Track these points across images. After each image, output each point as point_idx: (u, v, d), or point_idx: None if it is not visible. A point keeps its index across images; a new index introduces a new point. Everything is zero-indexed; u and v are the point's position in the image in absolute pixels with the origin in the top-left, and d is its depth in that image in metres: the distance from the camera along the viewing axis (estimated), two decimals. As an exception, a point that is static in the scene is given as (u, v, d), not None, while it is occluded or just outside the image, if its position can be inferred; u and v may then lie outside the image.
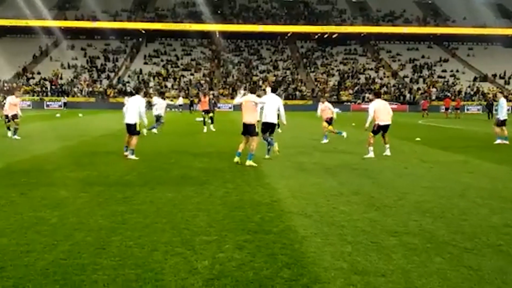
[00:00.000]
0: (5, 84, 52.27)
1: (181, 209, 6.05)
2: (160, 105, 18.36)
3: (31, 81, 55.39)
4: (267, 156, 10.85)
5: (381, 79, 59.14)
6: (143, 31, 64.73)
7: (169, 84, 55.67)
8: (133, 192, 7.02)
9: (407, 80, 59.42)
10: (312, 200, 6.66)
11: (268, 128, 10.54)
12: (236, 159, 9.97)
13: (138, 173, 8.84)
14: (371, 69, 61.96)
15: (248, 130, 9.98)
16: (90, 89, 53.63)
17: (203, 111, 20.31)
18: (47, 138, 15.88)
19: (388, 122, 11.64)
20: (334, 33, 64.91)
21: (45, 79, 55.52)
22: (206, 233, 5.00)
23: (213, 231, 5.05)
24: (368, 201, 6.66)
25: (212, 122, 20.45)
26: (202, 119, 22.96)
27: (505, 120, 15.06)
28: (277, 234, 5.01)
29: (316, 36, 67.08)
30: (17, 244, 4.55)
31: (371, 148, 11.44)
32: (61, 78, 55.94)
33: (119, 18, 63.73)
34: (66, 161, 10.43)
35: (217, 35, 66.16)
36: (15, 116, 15.37)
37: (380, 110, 11.57)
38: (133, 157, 10.65)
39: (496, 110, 15.46)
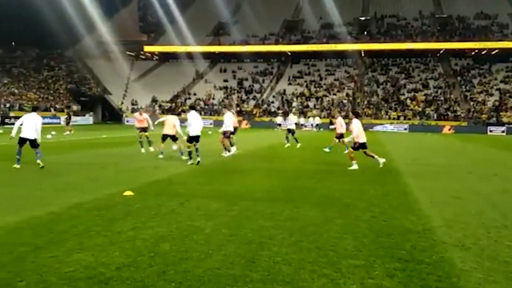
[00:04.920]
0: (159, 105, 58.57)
1: (326, 229, 5.97)
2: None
3: (188, 101, 61.02)
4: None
5: (552, 99, 51.93)
6: (289, 53, 66.99)
7: (311, 104, 56.44)
8: (279, 209, 7.16)
9: None
10: (470, 231, 6.04)
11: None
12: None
13: (282, 190, 9.02)
14: (540, 88, 54.79)
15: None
16: (238, 109, 57.02)
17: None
18: (202, 153, 17.07)
19: (365, 140, 12.85)
20: (493, 49, 59.20)
21: (199, 99, 60.72)
22: (353, 256, 4.85)
23: (361, 256, 4.88)
24: (540, 237, 5.80)
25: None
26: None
27: None
28: (430, 265, 4.65)
29: (473, 53, 61.84)
30: (177, 250, 4.94)
31: (354, 161, 12.80)
32: (213, 99, 60.59)
33: (268, 42, 66.97)
34: (217, 175, 11.16)
35: (363, 54, 65.31)
36: (143, 129, 17.21)
37: (360, 129, 12.73)
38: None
39: None
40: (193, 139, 12.95)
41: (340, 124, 18.28)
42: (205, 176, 10.95)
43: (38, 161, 11.88)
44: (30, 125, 11.95)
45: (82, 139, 24.25)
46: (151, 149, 16.71)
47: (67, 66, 67.94)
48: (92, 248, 4.95)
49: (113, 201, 7.59)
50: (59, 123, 39.92)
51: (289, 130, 21.14)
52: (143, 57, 74.37)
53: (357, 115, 13.65)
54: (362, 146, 12.84)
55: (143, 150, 16.59)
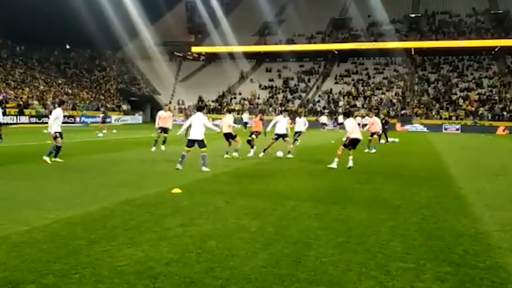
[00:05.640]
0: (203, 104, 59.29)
1: (374, 231, 5.85)
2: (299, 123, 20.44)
3: (233, 101, 61.54)
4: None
5: None
6: (336, 52, 66.13)
7: (358, 103, 55.46)
8: (325, 209, 7.10)
9: None
10: (528, 237, 5.75)
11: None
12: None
13: (328, 191, 8.93)
14: None
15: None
16: (283, 108, 56.88)
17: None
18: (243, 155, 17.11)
19: (359, 137, 12.93)
20: (554, 46, 55.95)
21: (244, 99, 61.07)
22: (402, 259, 4.73)
23: (410, 259, 4.75)
24: None
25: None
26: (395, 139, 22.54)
27: None
28: (484, 270, 4.47)
29: (531, 50, 58.74)
30: (223, 247, 5.00)
31: (336, 159, 12.68)
32: (258, 98, 60.75)
33: (314, 41, 66.40)
34: (262, 175, 11.21)
35: (413, 52, 63.48)
36: (165, 130, 16.94)
37: (354, 126, 12.87)
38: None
39: None
40: (192, 143, 11.77)
41: (376, 123, 19.83)
42: (249, 175, 11.01)
43: (44, 157, 12.34)
44: (50, 120, 12.63)
45: (131, 137, 25.03)
46: (163, 148, 16.68)
47: (117, 67, 70.33)
48: (142, 243, 5.10)
49: (162, 198, 7.78)
50: (110, 122, 41.31)
51: (296, 133, 20.35)
52: (190, 58, 75.77)
53: (347, 115, 13.81)
54: (353, 142, 12.82)
55: (153, 148, 16.40)
